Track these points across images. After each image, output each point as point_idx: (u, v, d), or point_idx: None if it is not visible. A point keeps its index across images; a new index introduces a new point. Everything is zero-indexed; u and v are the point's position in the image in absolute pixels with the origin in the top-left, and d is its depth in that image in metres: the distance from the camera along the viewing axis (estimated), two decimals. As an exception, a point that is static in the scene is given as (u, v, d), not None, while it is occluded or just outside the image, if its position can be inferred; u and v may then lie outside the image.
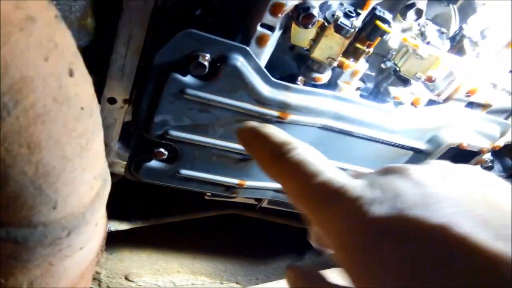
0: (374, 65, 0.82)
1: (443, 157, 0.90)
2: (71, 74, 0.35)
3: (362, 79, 0.81)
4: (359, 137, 0.82)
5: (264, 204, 1.06)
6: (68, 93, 0.34)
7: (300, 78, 0.77)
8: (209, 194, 0.99)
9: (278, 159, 0.50)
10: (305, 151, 0.48)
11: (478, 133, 0.85)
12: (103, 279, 1.43)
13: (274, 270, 1.57)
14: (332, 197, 0.41)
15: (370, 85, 0.83)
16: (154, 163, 0.82)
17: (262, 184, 0.90)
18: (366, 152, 0.86)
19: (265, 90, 0.71)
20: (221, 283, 1.56)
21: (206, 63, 0.65)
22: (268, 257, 1.57)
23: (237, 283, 1.58)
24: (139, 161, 0.81)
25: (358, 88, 0.81)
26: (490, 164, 1.01)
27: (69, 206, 0.40)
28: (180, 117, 0.74)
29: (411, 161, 0.89)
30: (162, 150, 0.79)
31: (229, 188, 0.90)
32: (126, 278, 1.43)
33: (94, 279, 1.43)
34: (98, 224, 0.52)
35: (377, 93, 0.82)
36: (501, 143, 0.93)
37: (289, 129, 0.78)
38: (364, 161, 0.88)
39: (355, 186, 0.41)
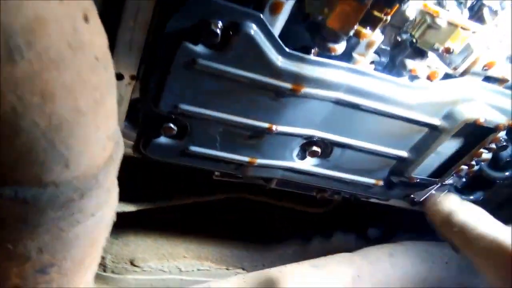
0: (388, 39, 0.79)
1: (458, 134, 0.87)
2: (86, 19, 0.32)
3: (376, 53, 0.78)
4: (372, 112, 0.80)
5: (273, 185, 1.03)
6: (83, 40, 0.32)
7: (313, 50, 0.74)
8: (218, 174, 0.97)
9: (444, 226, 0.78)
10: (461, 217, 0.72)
11: (495, 108, 0.83)
12: (109, 264, 1.42)
13: (280, 256, 1.55)
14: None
15: (385, 60, 0.81)
16: (163, 140, 0.80)
17: (273, 162, 0.88)
18: (379, 128, 0.84)
19: (279, 60, 0.69)
20: (227, 269, 1.55)
21: (218, 31, 0.63)
22: (274, 242, 1.55)
23: (243, 269, 1.56)
24: (147, 137, 0.79)
25: (372, 62, 0.79)
26: (504, 144, 0.99)
27: (82, 166, 0.38)
28: (191, 90, 0.71)
29: (426, 138, 0.87)
30: (172, 125, 0.77)
31: (240, 166, 0.88)
32: (132, 263, 1.42)
33: (99, 264, 1.42)
34: (110, 190, 0.50)
35: (392, 67, 0.80)
36: (517, 120, 0.90)
37: (302, 104, 0.76)
38: (377, 137, 0.86)
39: None
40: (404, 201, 1.13)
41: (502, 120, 0.84)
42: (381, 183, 0.98)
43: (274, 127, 0.79)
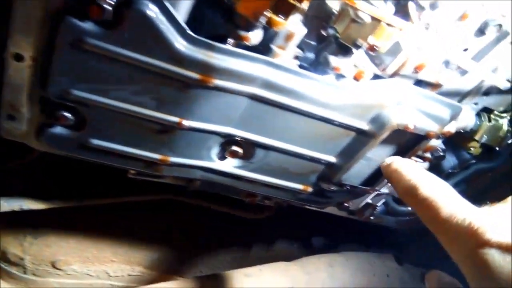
0: (314, 33, 0.73)
1: (389, 141, 0.82)
2: None
3: (300, 47, 0.72)
4: (293, 111, 0.74)
5: (197, 187, 0.96)
6: None
7: (231, 40, 0.67)
8: (133, 172, 0.88)
9: (408, 196, 0.63)
10: (427, 189, 0.60)
11: (425, 114, 0.78)
12: (28, 266, 1.30)
13: (220, 262, 1.47)
14: (454, 230, 0.54)
15: (310, 56, 0.74)
16: (59, 130, 0.71)
17: (189, 162, 0.80)
18: (303, 130, 0.78)
19: (182, 46, 0.61)
20: (162, 275, 1.46)
21: (107, 6, 0.55)
22: (213, 249, 1.47)
23: (179, 275, 1.47)
24: (40, 125, 0.70)
25: (297, 57, 0.73)
26: (441, 154, 0.94)
27: None
28: (83, 74, 0.63)
29: (353, 143, 0.81)
30: (67, 114, 0.68)
31: (151, 164, 0.80)
32: (53, 266, 1.31)
33: (18, 265, 1.30)
34: None
35: (317, 64, 0.74)
36: (452, 128, 0.86)
37: (216, 98, 0.69)
38: (302, 140, 0.80)
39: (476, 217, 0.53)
40: (339, 210, 1.08)
41: (433, 127, 0.79)
42: (309, 189, 0.91)
43: (184, 122, 0.71)
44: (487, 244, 0.50)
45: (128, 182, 1.16)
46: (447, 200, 0.57)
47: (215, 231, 1.46)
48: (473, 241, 0.51)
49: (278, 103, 0.71)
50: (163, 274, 1.44)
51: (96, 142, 0.73)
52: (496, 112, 0.88)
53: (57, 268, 1.32)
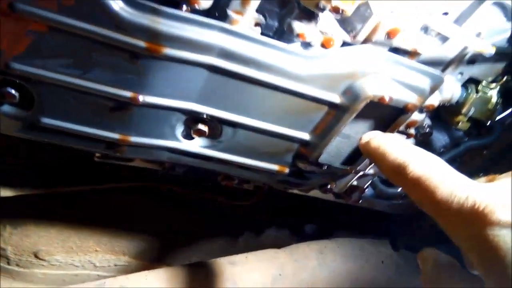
0: (278, -2, 0.67)
1: (366, 115, 0.76)
2: None
3: (263, 14, 0.66)
4: (259, 84, 0.68)
5: (169, 171, 0.91)
6: None
7: (185, 7, 0.62)
8: (98, 155, 0.84)
9: (397, 176, 0.54)
10: (419, 166, 0.51)
11: (403, 84, 0.71)
12: (11, 257, 1.28)
13: (207, 251, 1.43)
14: (455, 211, 0.46)
15: (273, 23, 0.69)
16: (7, 109, 0.67)
17: (152, 141, 0.76)
18: (271, 105, 0.73)
19: (123, 11, 0.56)
20: (150, 265, 1.42)
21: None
22: (200, 237, 1.43)
23: (168, 265, 1.43)
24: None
25: (258, 25, 0.67)
26: (427, 130, 0.88)
27: None
28: (21, 44, 0.58)
29: (327, 118, 0.75)
30: (10, 90, 0.64)
31: (112, 144, 0.75)
32: (36, 256, 1.28)
33: (0, 256, 1.28)
34: None
35: (282, 32, 0.68)
36: (435, 101, 0.80)
37: (170, 70, 0.64)
38: (271, 115, 0.75)
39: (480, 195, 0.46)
40: (323, 193, 1.02)
41: (412, 99, 0.73)
42: (286, 170, 0.86)
43: (139, 98, 0.67)
44: (497, 224, 0.43)
45: (107, 170, 1.12)
46: (443, 177, 0.49)
47: (202, 219, 1.41)
48: (480, 222, 0.44)
49: (240, 74, 0.66)
50: (150, 263, 1.41)
51: (47, 121, 0.68)
52: (484, 83, 0.81)
53: (40, 259, 1.29)
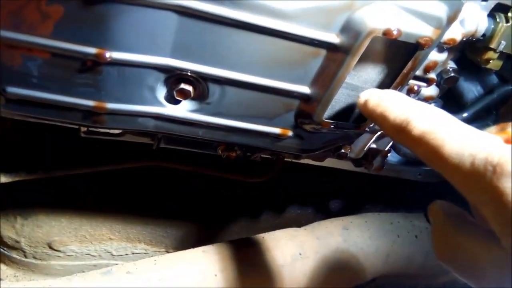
0: None
1: (372, 57, 0.65)
2: None
3: None
4: (240, 27, 0.59)
5: (162, 144, 0.84)
6: None
7: None
8: (84, 129, 0.78)
9: (400, 135, 0.51)
10: (422, 121, 0.48)
11: (413, 13, 0.59)
12: (26, 249, 1.26)
13: (226, 234, 1.36)
14: (467, 166, 0.42)
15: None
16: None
17: (132, 107, 0.68)
18: (259, 53, 0.63)
19: None
20: (167, 251, 1.37)
21: None
22: (218, 219, 1.36)
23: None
24: None
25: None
26: (452, 74, 0.76)
27: None
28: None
29: (327, 64, 0.65)
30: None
31: (89, 114, 0.68)
32: (50, 247, 1.25)
33: (16, 249, 1.26)
34: None
35: (262, -37, 0.58)
36: (457, 35, 0.67)
37: (134, 16, 0.56)
38: (261, 67, 0.65)
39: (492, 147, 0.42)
40: (339, 159, 0.91)
41: (426, 31, 0.61)
42: (290, 133, 0.76)
43: (106, 54, 0.59)
44: None
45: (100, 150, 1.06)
46: (450, 130, 0.45)
47: (219, 199, 1.34)
48: (495, 174, 0.40)
49: (214, 15, 0.57)
50: (168, 250, 1.35)
51: (13, 90, 0.62)
52: (516, 9, 0.68)
53: (54, 250, 1.26)
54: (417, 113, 0.49)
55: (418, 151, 0.48)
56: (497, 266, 0.44)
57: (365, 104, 0.57)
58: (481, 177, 0.41)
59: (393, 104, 0.53)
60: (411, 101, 0.53)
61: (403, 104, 0.52)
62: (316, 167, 1.04)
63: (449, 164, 0.44)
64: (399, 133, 0.51)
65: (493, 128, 0.53)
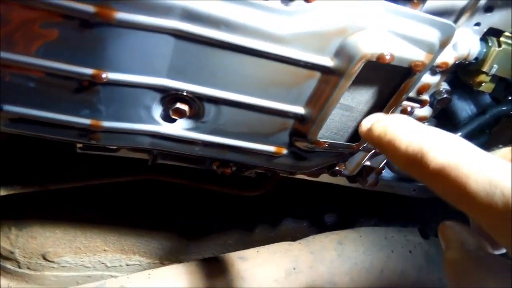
0: None
1: (366, 80, 0.66)
2: None
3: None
4: (233, 50, 0.60)
5: (159, 160, 0.84)
6: None
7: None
8: (80, 145, 0.78)
9: (414, 167, 0.43)
10: (441, 152, 0.41)
11: (406, 38, 0.61)
12: (20, 260, 1.26)
13: (221, 246, 1.36)
14: (495, 203, 0.36)
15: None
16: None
17: (128, 126, 0.68)
18: (255, 75, 0.64)
19: (62, -31, 0.49)
20: (162, 263, 1.36)
21: None
22: (213, 232, 1.36)
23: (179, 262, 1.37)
24: None
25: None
26: (445, 96, 0.77)
27: None
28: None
29: (321, 86, 0.65)
30: (-39, 75, 0.58)
31: (85, 131, 0.68)
32: (44, 258, 1.25)
33: (10, 259, 1.26)
34: None
35: (258, -12, 0.59)
36: (449, 58, 0.68)
37: (130, 39, 0.57)
38: (256, 88, 0.66)
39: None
40: (333, 176, 0.92)
41: (418, 55, 0.62)
42: (284, 151, 0.77)
43: (102, 75, 0.59)
44: None
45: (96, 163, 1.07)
46: (475, 162, 0.38)
47: (214, 213, 1.34)
48: None
49: (210, 39, 0.58)
50: (163, 262, 1.35)
51: (9, 108, 0.63)
52: (507, 34, 0.69)
53: (49, 261, 1.26)
54: (433, 142, 0.42)
55: (438, 189, 0.41)
56: None
57: (369, 131, 0.50)
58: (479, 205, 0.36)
59: (403, 132, 0.45)
60: (424, 127, 0.45)
61: (415, 131, 0.44)
62: (311, 181, 1.05)
63: (478, 204, 0.37)
64: (412, 166, 0.43)
65: (507, 151, 0.46)
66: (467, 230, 0.47)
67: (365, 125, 0.52)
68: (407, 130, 0.45)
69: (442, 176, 0.39)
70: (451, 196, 0.40)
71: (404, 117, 0.49)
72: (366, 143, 0.77)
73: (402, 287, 1.20)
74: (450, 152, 0.40)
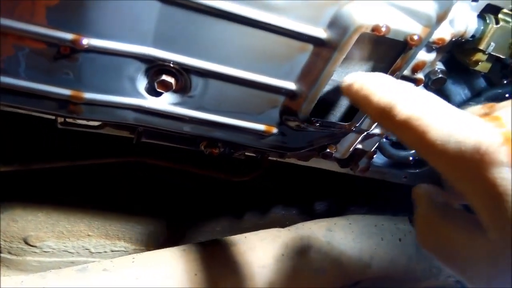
0: None
1: (360, 54, 0.64)
2: None
3: None
4: (226, 18, 0.57)
5: (144, 139, 0.81)
6: None
7: None
8: (61, 120, 0.75)
9: (384, 119, 0.48)
10: (408, 105, 0.45)
11: (402, 10, 0.58)
12: (1, 244, 1.22)
13: (208, 234, 1.33)
14: (454, 153, 0.40)
15: None
16: None
17: (112, 98, 0.65)
18: (245, 46, 0.61)
19: None
20: (148, 249, 1.33)
21: None
22: (200, 218, 1.33)
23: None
24: None
25: None
26: (440, 76, 0.75)
27: None
28: None
29: (313, 60, 0.63)
30: None
31: (65, 103, 0.65)
32: (26, 242, 1.21)
33: (-9, 244, 1.22)
34: None
35: (249, -48, 0.56)
36: (445, 34, 0.66)
37: (111, 1, 0.53)
38: (246, 61, 0.63)
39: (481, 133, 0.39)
40: (324, 159, 0.90)
41: (415, 29, 0.59)
42: (274, 130, 0.74)
43: (83, 40, 0.56)
44: (505, 164, 0.37)
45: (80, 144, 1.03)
46: (436, 114, 0.43)
47: (202, 198, 1.31)
48: (484, 163, 0.38)
49: (199, 4, 0.55)
50: (149, 249, 1.32)
51: (-16, 76, 0.59)
52: (505, 11, 0.67)
53: (30, 245, 1.22)
54: (402, 96, 0.46)
55: (403, 137, 0.46)
56: (481, 257, 0.42)
57: (350, 86, 0.54)
58: (469, 166, 0.39)
59: (377, 87, 0.50)
60: (397, 83, 0.49)
61: (388, 86, 0.49)
62: (302, 168, 1.03)
63: (434, 152, 0.42)
64: (382, 117, 0.48)
65: (477, 108, 0.49)
66: (437, 189, 0.52)
67: (347, 80, 0.55)
68: (381, 86, 0.50)
69: (407, 127, 0.44)
70: (414, 145, 0.45)
71: (382, 75, 0.53)
72: (358, 123, 0.75)
73: (392, 275, 1.19)
74: (416, 105, 0.44)
